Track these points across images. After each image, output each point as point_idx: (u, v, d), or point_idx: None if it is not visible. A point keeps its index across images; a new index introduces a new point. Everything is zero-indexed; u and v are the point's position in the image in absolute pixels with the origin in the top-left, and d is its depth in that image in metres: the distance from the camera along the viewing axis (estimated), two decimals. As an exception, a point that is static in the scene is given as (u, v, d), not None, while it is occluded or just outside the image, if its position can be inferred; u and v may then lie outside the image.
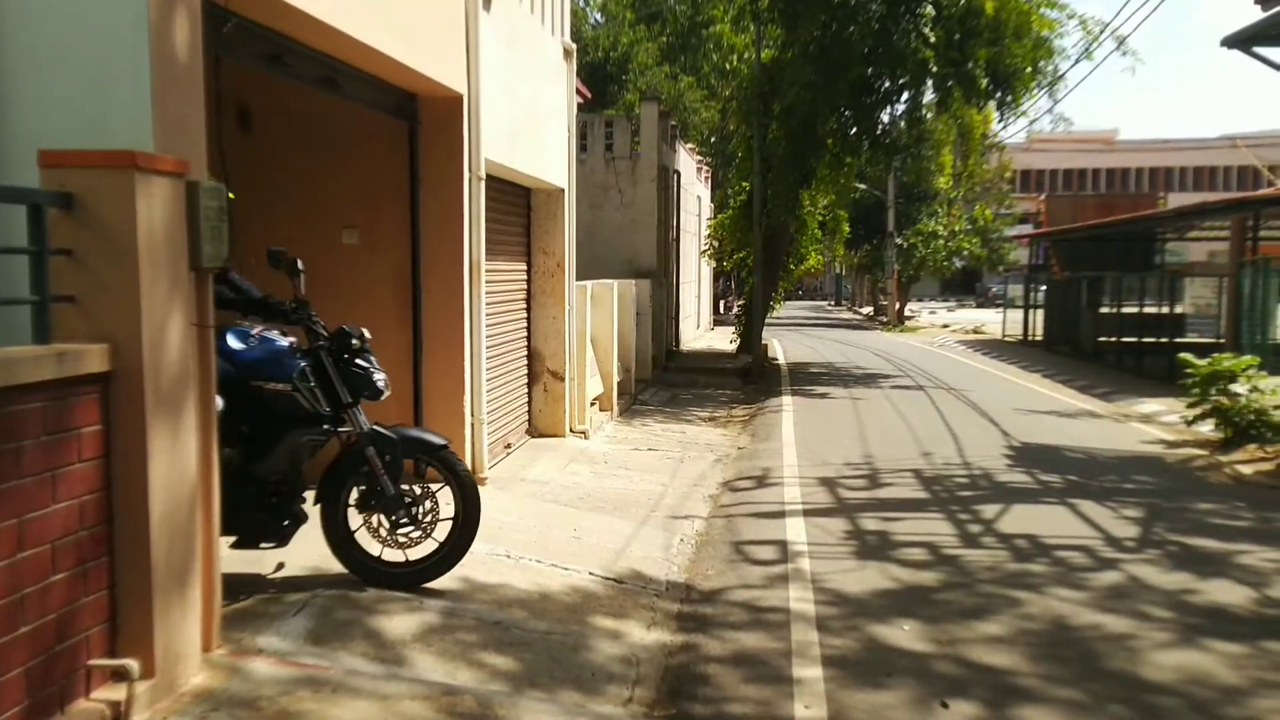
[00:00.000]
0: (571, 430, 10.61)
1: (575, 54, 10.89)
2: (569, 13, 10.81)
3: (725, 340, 25.60)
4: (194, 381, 3.81)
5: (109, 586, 3.50)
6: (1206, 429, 11.80)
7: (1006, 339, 29.85)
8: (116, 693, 3.44)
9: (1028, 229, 43.99)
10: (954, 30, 16.42)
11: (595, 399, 11.93)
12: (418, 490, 5.08)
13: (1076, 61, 18.12)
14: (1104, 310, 23.21)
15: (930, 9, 16.23)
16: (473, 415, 7.61)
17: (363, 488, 5.03)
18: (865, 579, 6.09)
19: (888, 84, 17.66)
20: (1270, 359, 13.51)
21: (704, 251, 27.41)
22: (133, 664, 3.46)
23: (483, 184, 7.61)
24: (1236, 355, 12.11)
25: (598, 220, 19.99)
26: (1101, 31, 17.61)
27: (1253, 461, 10.37)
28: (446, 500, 5.12)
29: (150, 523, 3.52)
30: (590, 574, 5.91)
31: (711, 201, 33.79)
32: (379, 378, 5.05)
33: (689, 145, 28.21)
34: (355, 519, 5.07)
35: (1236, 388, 11.36)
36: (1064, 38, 17.50)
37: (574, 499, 7.96)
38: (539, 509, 7.48)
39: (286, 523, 4.90)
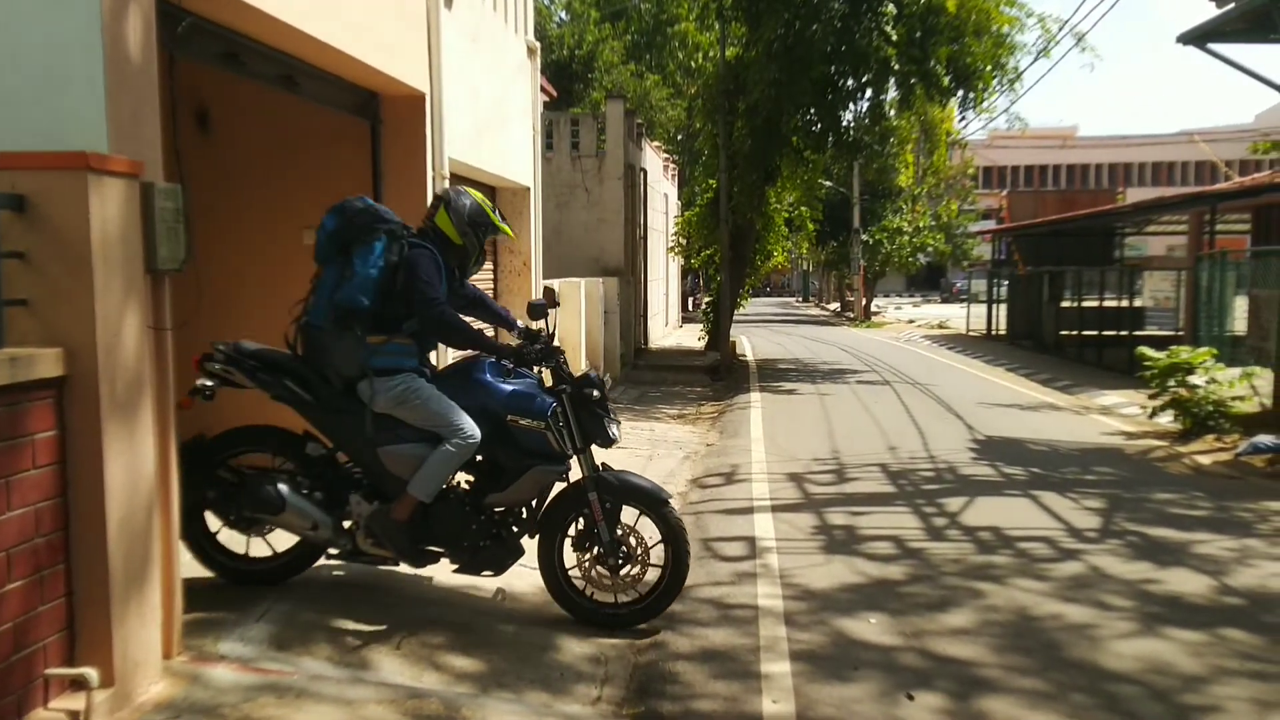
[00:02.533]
0: (539, 430, 10.57)
1: (539, 52, 10.88)
2: (532, 11, 10.79)
3: (694, 337, 25.66)
4: (151, 385, 3.76)
5: (66, 594, 3.45)
6: (1166, 420, 11.96)
7: (971, 334, 30.12)
8: (75, 702, 3.39)
9: (990, 225, 44.44)
10: (915, 28, 16.54)
11: (562, 398, 11.89)
12: (633, 541, 5.09)
13: (1036, 59, 18.32)
14: (1065, 304, 23.48)
15: (891, 7, 16.35)
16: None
17: (580, 527, 5.10)
18: (832, 573, 6.12)
19: (851, 82, 17.76)
20: (1227, 351, 13.72)
21: (671, 249, 27.45)
22: (91, 672, 3.41)
23: (446, 183, 7.57)
24: (1194, 348, 12.28)
25: (565, 219, 19.98)
26: (1060, 29, 17.82)
27: (1211, 452, 10.53)
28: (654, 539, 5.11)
29: (108, 529, 3.48)
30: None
31: (678, 199, 33.85)
32: (613, 427, 5.12)
33: (655, 143, 28.24)
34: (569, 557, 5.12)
35: (1195, 379, 11.53)
36: (1024, 33, 17.66)
37: (541, 498, 7.93)
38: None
39: (509, 554, 5.01)
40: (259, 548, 4.98)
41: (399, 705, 3.89)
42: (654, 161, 26.34)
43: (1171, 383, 11.71)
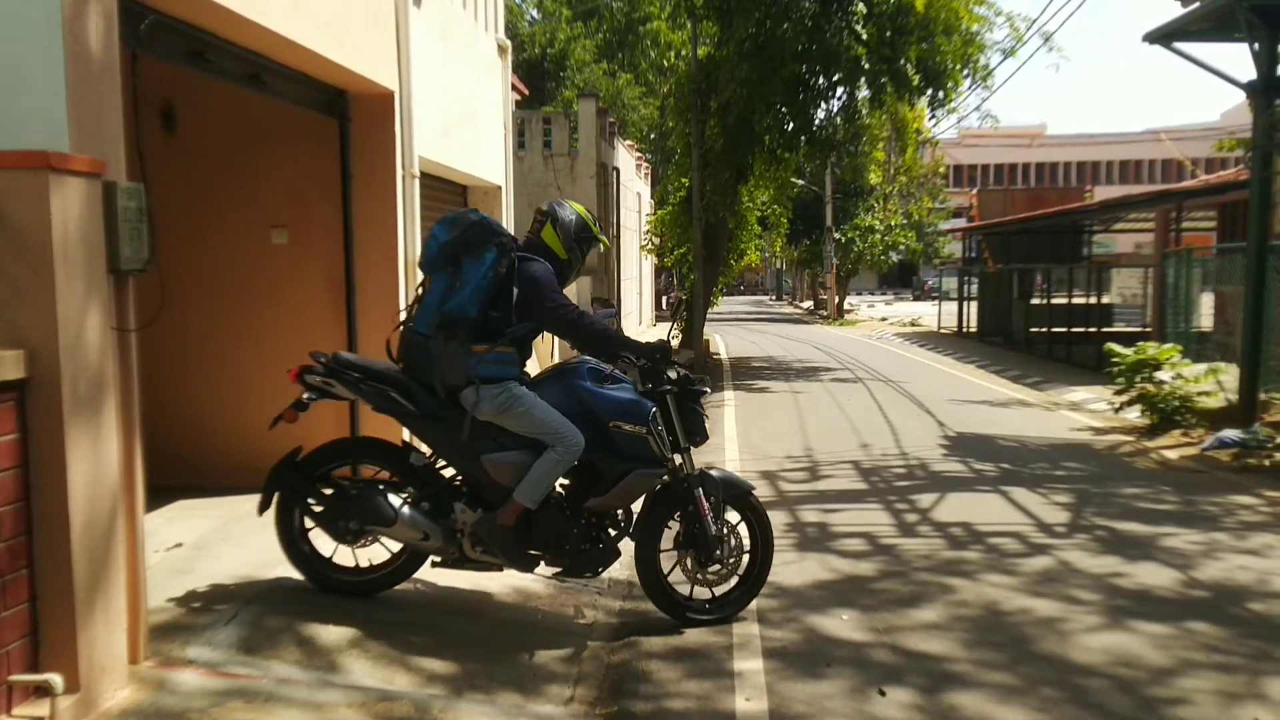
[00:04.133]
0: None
1: (510, 50, 10.84)
2: (503, 9, 10.75)
3: (668, 335, 25.63)
4: (114, 387, 3.71)
5: (30, 600, 3.41)
6: (1133, 416, 12.09)
7: (942, 331, 30.31)
8: (40, 708, 3.35)
9: (961, 223, 44.75)
10: (885, 27, 16.61)
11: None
12: (732, 536, 5.18)
13: (1005, 58, 18.43)
14: (1035, 301, 23.69)
15: (862, 6, 16.40)
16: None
17: (680, 526, 5.15)
18: (805, 570, 6.14)
19: (822, 80, 17.81)
20: (1193, 347, 13.91)
21: (644, 247, 27.44)
22: (56, 678, 3.37)
23: (416, 182, 7.54)
24: (1161, 344, 12.42)
25: (536, 218, 19.90)
26: (1029, 28, 17.94)
27: (1177, 446, 10.64)
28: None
29: (71, 533, 3.43)
30: (532, 573, 5.87)
31: (651, 198, 33.84)
32: (708, 428, 5.21)
33: (628, 142, 28.23)
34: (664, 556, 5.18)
35: (1161, 375, 11.67)
36: (993, 31, 17.77)
37: (514, 498, 7.90)
38: (478, 509, 7.41)
39: (608, 556, 5.09)
40: (344, 555, 5.03)
41: (369, 708, 3.87)
42: (627, 160, 26.33)
43: (1139, 379, 11.85)
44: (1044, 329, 22.24)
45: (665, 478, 5.08)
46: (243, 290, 7.33)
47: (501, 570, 5.07)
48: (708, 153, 18.77)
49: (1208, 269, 15.53)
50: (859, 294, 57.89)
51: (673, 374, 5.09)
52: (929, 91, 17.78)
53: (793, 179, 25.14)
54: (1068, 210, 25.63)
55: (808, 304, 52.87)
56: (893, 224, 41.19)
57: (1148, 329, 18.95)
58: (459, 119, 8.93)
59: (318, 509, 4.89)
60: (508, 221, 10.38)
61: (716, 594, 5.23)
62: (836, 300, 41.03)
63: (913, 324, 34.33)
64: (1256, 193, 10.94)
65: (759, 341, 27.93)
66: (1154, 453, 10.45)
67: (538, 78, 31.84)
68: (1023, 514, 7.65)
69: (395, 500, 4.82)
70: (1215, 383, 11.78)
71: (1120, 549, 6.63)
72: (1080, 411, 13.77)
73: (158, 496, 6.18)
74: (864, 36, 16.30)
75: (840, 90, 18.19)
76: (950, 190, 56.49)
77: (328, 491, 4.92)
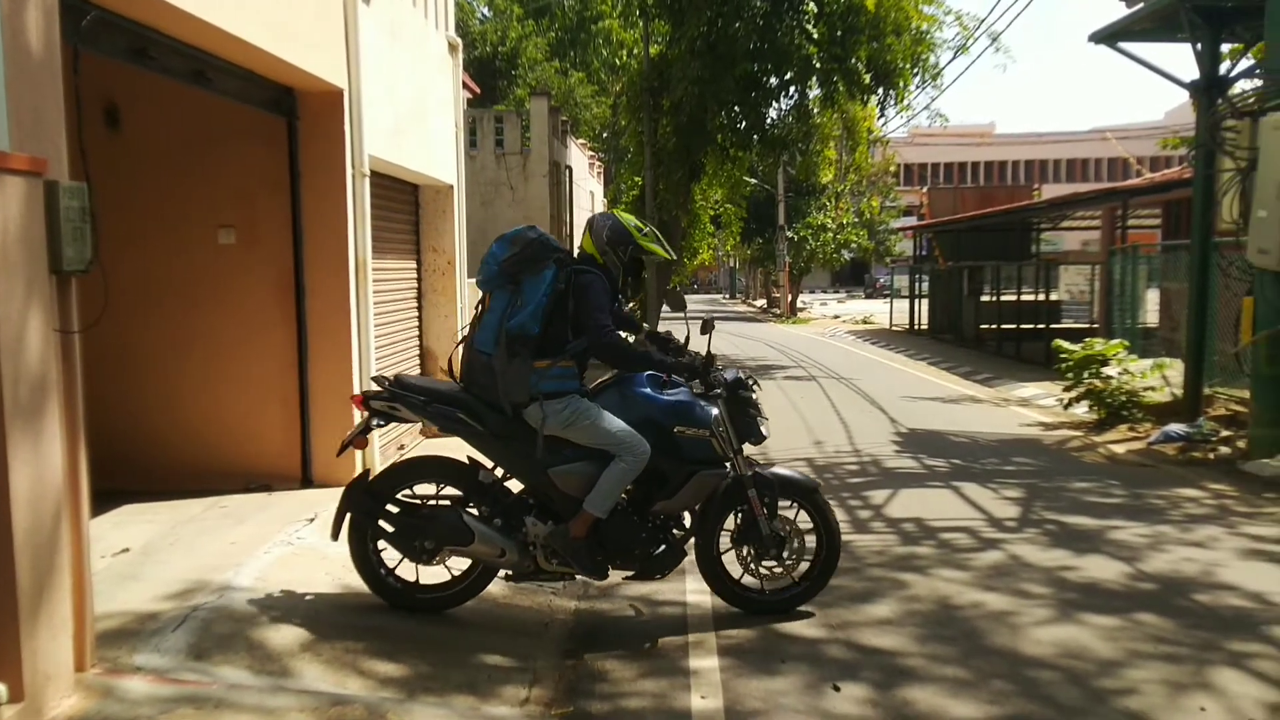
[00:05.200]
0: (466, 430, 10.49)
1: (461, 48, 10.78)
2: (453, 6, 10.69)
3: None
4: (57, 390, 3.63)
5: (-31, 608, 3.32)
6: (1081, 411, 12.28)
7: (894, 328, 30.60)
8: (-20, 719, 3.27)
9: (912, 221, 45.20)
10: (836, 26, 16.76)
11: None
12: (790, 531, 5.26)
13: (954, 56, 18.67)
14: (984, 299, 23.98)
15: (812, 5, 16.53)
16: (363, 417, 7.45)
17: (738, 523, 5.23)
18: (759, 568, 6.15)
19: (774, 79, 17.92)
20: (1139, 343, 14.15)
21: (597, 247, 27.41)
22: (0, 687, 3.30)
23: (367, 180, 7.46)
24: (1108, 340, 12.63)
25: (490, 216, 19.84)
26: (977, 28, 18.19)
27: (1125, 441, 10.83)
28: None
29: (13, 539, 3.35)
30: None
31: (604, 196, 33.82)
32: (764, 425, 5.30)
33: (580, 140, 28.19)
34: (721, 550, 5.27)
35: (1109, 371, 11.86)
36: (942, 31, 18.00)
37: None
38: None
39: (677, 557, 5.15)
40: (406, 570, 5.05)
41: (321, 713, 3.82)
42: (579, 159, 26.29)
43: (1086, 374, 12.04)
44: (994, 326, 22.52)
45: (729, 478, 5.16)
46: (189, 291, 7.23)
47: (574, 579, 5.13)
48: (660, 151, 18.82)
49: (1153, 266, 15.81)
50: (812, 292, 58.29)
51: (727, 376, 5.19)
52: (880, 90, 17.97)
53: (745, 178, 25.25)
54: (1016, 208, 26.00)
55: (761, 302, 53.12)
56: (845, 222, 41.53)
57: (1095, 325, 19.26)
58: (409, 117, 8.86)
59: (390, 530, 4.94)
60: (457, 221, 10.31)
61: (779, 587, 5.31)
62: (790, 298, 41.26)
63: (865, 322, 34.63)
64: (1200, 190, 11.14)
65: (712, 339, 27.91)
66: (1102, 447, 10.63)
67: (489, 76, 31.67)
68: (974, 509, 7.74)
69: (470, 519, 4.88)
70: (1161, 378, 11.99)
71: (1069, 543, 6.73)
72: (1030, 407, 13.97)
73: (104, 501, 6.08)
74: (815, 35, 16.43)
75: (792, 89, 18.33)
76: (901, 189, 57.02)
77: (394, 510, 4.97)
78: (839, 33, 16.74)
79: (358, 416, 7.31)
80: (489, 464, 5.05)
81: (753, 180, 30.90)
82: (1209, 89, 10.86)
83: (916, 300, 29.28)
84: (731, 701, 4.26)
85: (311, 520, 6.18)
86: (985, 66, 34.48)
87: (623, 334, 5.14)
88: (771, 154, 21.55)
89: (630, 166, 23.63)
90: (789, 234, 39.05)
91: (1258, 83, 10.12)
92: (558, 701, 4.27)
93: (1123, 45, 12.06)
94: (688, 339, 5.43)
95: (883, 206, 47.27)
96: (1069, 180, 64.24)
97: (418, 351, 10.08)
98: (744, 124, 18.56)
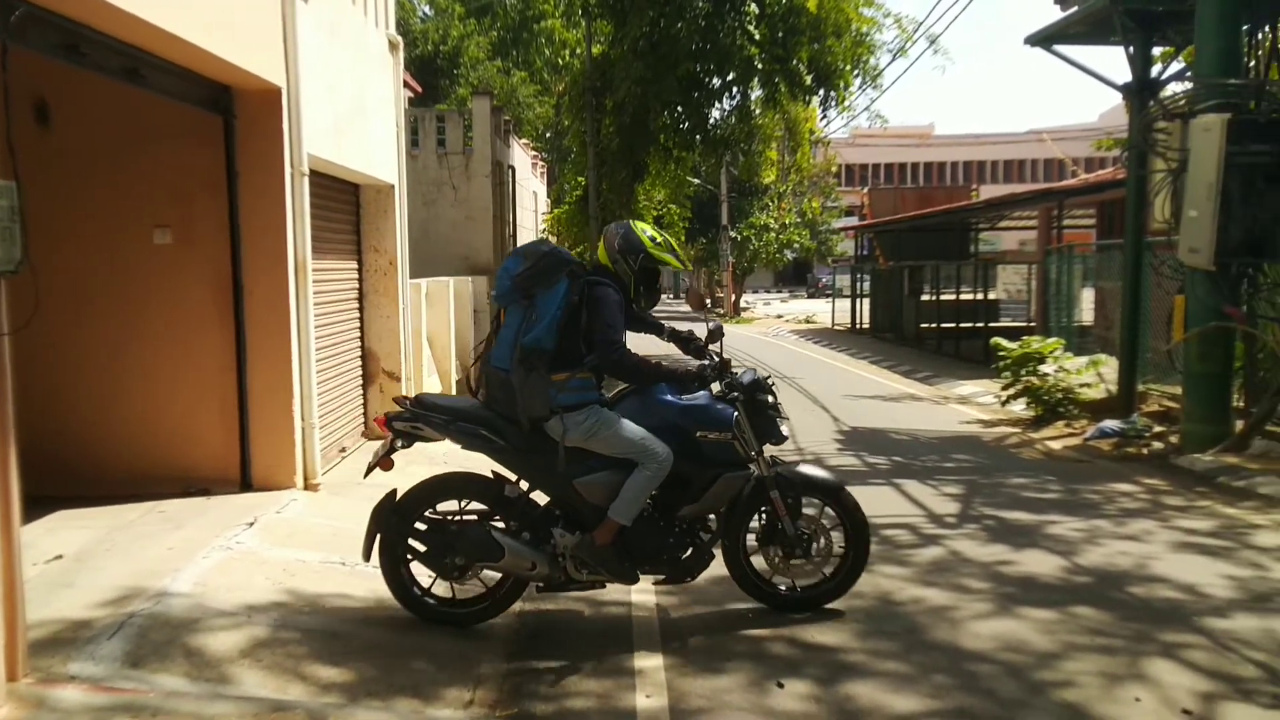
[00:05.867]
0: (409, 431, 10.39)
1: (402, 47, 10.67)
2: (393, 5, 10.58)
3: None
4: (-15, 394, 3.54)
5: (-108, 619, 3.22)
6: (1019, 408, 12.50)
7: (836, 328, 30.91)
8: (-95, 734, 3.17)
9: (853, 221, 45.66)
10: (778, 28, 16.88)
11: (433, 398, 11.72)
12: (815, 530, 5.28)
13: (894, 58, 18.91)
14: (925, 298, 24.31)
15: (754, 7, 16.63)
16: (303, 419, 7.36)
17: (762, 524, 5.27)
18: (704, 567, 6.17)
19: (716, 80, 18.02)
20: (1075, 341, 14.44)
21: (540, 246, 27.33)
22: (-77, 702, 3.20)
23: (306, 180, 7.36)
24: (1045, 338, 12.87)
25: (432, 217, 19.66)
26: (916, 30, 18.41)
27: (1061, 437, 11.05)
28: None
29: (-62, 548, 3.26)
30: (429, 575, 5.78)
31: (548, 196, 33.73)
32: (784, 425, 5.31)
33: (523, 140, 28.06)
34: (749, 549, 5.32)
35: (1045, 368, 12.09)
36: (882, 33, 18.21)
37: (412, 501, 7.79)
38: (375, 513, 7.28)
39: (705, 559, 5.15)
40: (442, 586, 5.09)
41: (261, 719, 3.76)
42: (522, 159, 26.18)
43: (1024, 372, 12.26)
44: (934, 325, 22.84)
45: (752, 479, 5.17)
46: (124, 292, 7.08)
47: (605, 587, 5.14)
48: (603, 151, 18.82)
49: (1088, 265, 16.13)
50: (755, 292, 58.61)
51: (745, 378, 5.22)
52: (821, 91, 18.13)
53: (689, 178, 25.34)
54: (955, 209, 26.38)
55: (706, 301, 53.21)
56: (787, 222, 41.85)
57: (1032, 324, 19.61)
58: (349, 116, 8.76)
59: (421, 548, 4.96)
60: (398, 221, 10.21)
61: (808, 584, 5.34)
62: (733, 298, 41.48)
63: (808, 321, 34.94)
64: (1133, 191, 11.39)
65: (656, 340, 27.97)
66: (1039, 443, 10.83)
67: (431, 75, 31.41)
68: (914, 506, 7.84)
69: (499, 535, 4.89)
70: (1096, 375, 12.25)
71: (1008, 538, 6.84)
72: (969, 405, 14.19)
73: (36, 507, 5.92)
74: (757, 36, 16.54)
75: (734, 89, 18.45)
76: (842, 189, 57.58)
77: (422, 528, 4.99)
78: (780, 34, 16.86)
79: (298, 417, 7.27)
80: (514, 477, 5.06)
81: (696, 180, 31.02)
82: (1141, 91, 11.11)
83: (858, 300, 29.60)
84: (676, 700, 4.27)
85: (251, 524, 6.09)
86: (924, 68, 34.96)
87: (647, 333, 5.34)
88: (714, 154, 21.65)
89: (574, 166, 23.62)
90: (732, 234, 39.25)
91: (1188, 85, 10.38)
92: (502, 703, 4.25)
93: (1058, 48, 12.28)
94: (709, 338, 5.43)
95: (824, 207, 47.72)
96: (1006, 181, 65.37)
97: (359, 353, 9.96)
98: (687, 124, 18.63)
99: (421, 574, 5.04)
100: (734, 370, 5.25)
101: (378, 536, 4.94)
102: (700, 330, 5.59)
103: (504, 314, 4.98)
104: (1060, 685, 4.42)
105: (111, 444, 7.06)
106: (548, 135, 35.84)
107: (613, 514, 4.86)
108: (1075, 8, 11.40)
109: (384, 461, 5.01)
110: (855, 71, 17.79)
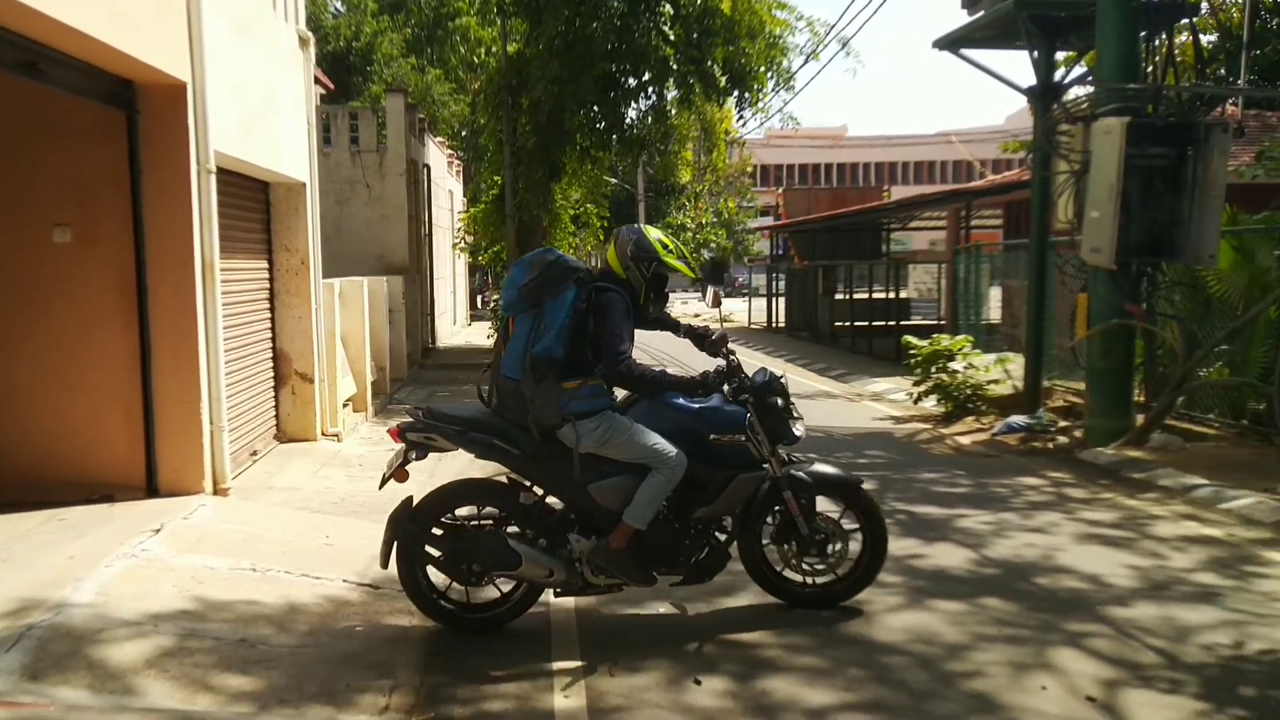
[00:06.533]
0: (324, 433, 10.23)
1: (313, 43, 10.48)
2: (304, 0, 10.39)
3: (484, 335, 25.41)
4: None
5: None
6: (930, 404, 12.77)
7: (753, 326, 31.24)
8: None
9: (769, 221, 46.18)
10: (693, 29, 16.96)
11: (349, 400, 11.55)
12: (830, 529, 5.29)
13: (806, 61, 19.11)
14: (839, 297, 24.68)
15: (669, 7, 16.67)
16: (212, 423, 7.19)
17: (776, 523, 5.28)
18: (622, 566, 6.18)
19: (632, 80, 18.03)
20: (983, 338, 14.79)
21: (455, 245, 27.10)
22: None
23: (213, 177, 7.18)
24: (954, 336, 13.16)
25: (346, 215, 19.37)
26: (828, 33, 18.66)
27: (970, 433, 11.32)
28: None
29: None
30: (344, 581, 5.70)
31: (464, 195, 33.42)
32: (798, 426, 5.31)
33: (439, 139, 27.78)
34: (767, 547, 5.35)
35: (955, 366, 12.36)
36: (795, 35, 18.41)
37: (327, 504, 7.67)
38: (289, 518, 7.15)
39: (722, 560, 5.17)
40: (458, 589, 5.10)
41: (169, 732, 3.67)
42: (438, 157, 25.91)
43: (934, 369, 12.52)
44: (847, 323, 23.19)
45: (767, 480, 5.17)
46: (22, 292, 6.85)
47: (623, 590, 5.12)
48: (520, 150, 18.70)
49: (995, 264, 16.54)
50: (673, 291, 58.80)
51: (757, 379, 5.23)
52: (735, 93, 18.26)
53: (606, 177, 25.32)
54: (867, 209, 26.87)
55: (624, 301, 53.27)
56: (704, 222, 42.13)
57: (942, 322, 20.03)
58: (258, 112, 8.58)
59: (438, 555, 4.97)
60: (310, 220, 10.03)
61: (823, 583, 5.36)
62: (651, 297, 41.51)
63: (724, 320, 35.18)
64: (1037, 192, 11.69)
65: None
66: (949, 439, 11.08)
67: (344, 72, 30.89)
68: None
69: (515, 543, 4.88)
70: (1003, 371, 12.56)
71: (919, 531, 6.98)
72: (882, 402, 14.45)
73: (-75, 517, 5.69)
74: (672, 37, 16.59)
75: (650, 90, 18.47)
76: (757, 189, 58.21)
77: (439, 533, 4.99)
78: (695, 35, 16.95)
79: (206, 421, 7.10)
80: (528, 483, 5.04)
81: (613, 180, 30.99)
82: (1045, 95, 11.41)
83: (774, 299, 29.92)
84: (594, 699, 4.28)
85: (157, 531, 5.93)
86: (837, 71, 35.52)
87: (664, 330, 5.37)
88: (631, 154, 21.62)
89: (490, 165, 23.38)
90: (650, 233, 39.26)
91: (1090, 89, 10.70)
92: (418, 708, 4.21)
93: (965, 52, 12.48)
94: (724, 335, 5.45)
95: (740, 207, 48.14)
96: (917, 182, 66.77)
97: (271, 355, 9.76)
98: (603, 124, 18.61)
99: (436, 577, 5.07)
100: (744, 374, 5.25)
101: (394, 544, 4.94)
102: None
103: (512, 323, 4.98)
104: (969, 675, 4.52)
105: (8, 450, 6.82)
106: (464, 134, 35.48)
107: (627, 519, 4.87)
108: (982, 12, 11.63)
109: (399, 473, 4.97)
110: (769, 73, 17.97)
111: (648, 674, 4.54)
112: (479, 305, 42.03)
